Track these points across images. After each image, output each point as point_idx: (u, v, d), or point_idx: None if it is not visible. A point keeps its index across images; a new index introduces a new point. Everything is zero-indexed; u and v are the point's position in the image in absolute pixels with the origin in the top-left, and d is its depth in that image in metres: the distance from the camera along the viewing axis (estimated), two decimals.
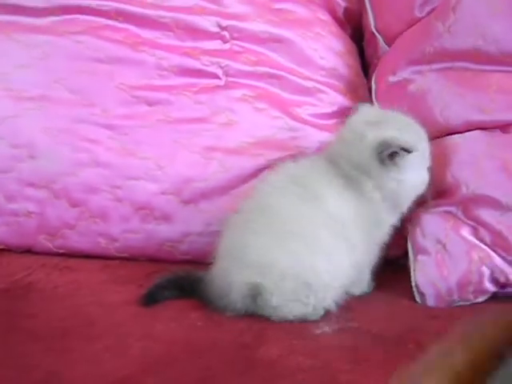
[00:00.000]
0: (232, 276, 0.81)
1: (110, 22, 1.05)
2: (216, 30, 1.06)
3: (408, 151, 0.83)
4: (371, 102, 1.08)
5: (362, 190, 0.85)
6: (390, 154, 0.83)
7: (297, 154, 0.97)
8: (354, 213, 0.84)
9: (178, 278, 0.87)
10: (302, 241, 0.81)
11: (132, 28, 1.05)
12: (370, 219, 0.85)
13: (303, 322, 0.80)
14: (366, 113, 0.91)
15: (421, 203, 0.92)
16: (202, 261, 0.87)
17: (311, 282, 0.81)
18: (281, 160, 0.95)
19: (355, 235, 0.84)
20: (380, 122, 0.86)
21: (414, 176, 0.86)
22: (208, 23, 1.06)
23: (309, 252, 0.81)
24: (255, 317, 0.81)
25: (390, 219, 0.89)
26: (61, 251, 1.01)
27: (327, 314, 0.83)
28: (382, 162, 0.84)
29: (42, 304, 0.84)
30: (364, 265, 0.88)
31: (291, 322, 0.80)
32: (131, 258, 1.01)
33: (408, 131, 0.87)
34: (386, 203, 0.86)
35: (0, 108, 1.01)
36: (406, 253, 0.95)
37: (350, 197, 0.84)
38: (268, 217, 0.82)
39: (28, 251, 1.02)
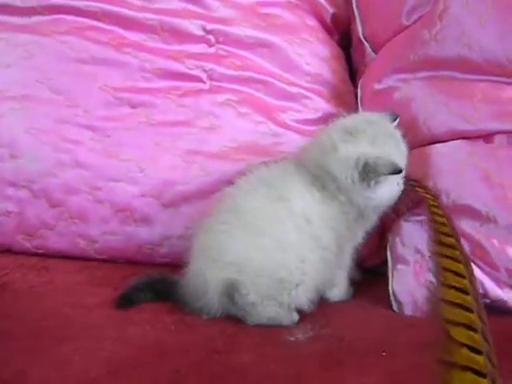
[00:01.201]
0: (208, 275, 0.81)
1: (96, 23, 1.05)
2: (201, 33, 1.06)
3: (397, 172, 0.82)
4: (357, 108, 1.09)
5: (330, 192, 0.85)
6: (366, 175, 0.81)
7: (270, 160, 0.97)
8: (323, 213, 0.84)
9: (154, 281, 0.86)
10: (272, 239, 0.82)
11: (117, 30, 1.05)
12: (338, 219, 0.85)
13: (277, 328, 0.80)
14: (345, 121, 0.89)
15: (398, 213, 0.92)
16: (181, 264, 0.87)
17: (284, 279, 0.81)
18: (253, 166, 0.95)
19: (326, 235, 0.84)
20: (357, 133, 0.84)
21: (384, 192, 0.84)
22: (193, 27, 1.06)
23: (278, 249, 0.82)
24: (229, 321, 0.81)
25: (360, 225, 0.89)
26: (39, 251, 1.01)
27: (302, 319, 0.83)
28: (360, 179, 0.82)
29: (17, 304, 0.84)
30: (338, 266, 0.88)
31: (266, 326, 0.80)
32: (110, 260, 1.01)
33: (383, 144, 0.84)
34: (354, 209, 0.86)
35: None
36: (386, 262, 0.95)
37: (318, 197, 0.84)
38: (238, 217, 0.83)
39: (7, 251, 1.02)
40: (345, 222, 0.86)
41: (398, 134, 0.87)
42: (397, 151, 0.86)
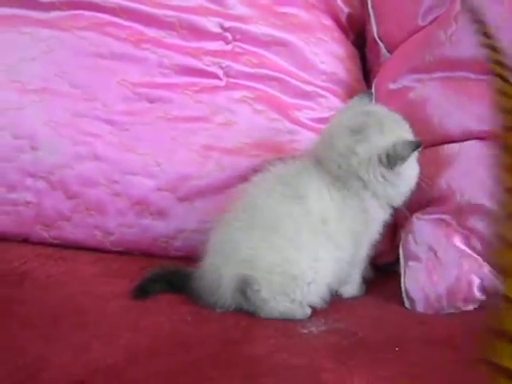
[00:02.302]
0: (221, 271, 0.82)
1: (115, 19, 1.06)
2: (219, 30, 1.08)
3: (418, 147, 0.85)
4: None
5: (350, 190, 0.86)
6: (394, 164, 0.84)
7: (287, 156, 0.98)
8: (339, 212, 0.85)
9: (169, 273, 0.88)
10: (286, 238, 0.83)
11: (136, 26, 1.06)
12: (357, 218, 0.86)
13: (291, 321, 0.81)
14: (345, 121, 0.90)
15: (410, 210, 0.93)
16: (195, 257, 0.88)
17: (296, 276, 0.82)
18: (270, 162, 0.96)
19: (341, 234, 0.85)
20: (362, 129, 0.86)
21: (410, 174, 0.88)
22: (211, 24, 1.07)
23: (292, 248, 0.83)
24: (243, 314, 0.82)
25: (381, 216, 0.90)
26: (56, 242, 1.02)
27: (315, 314, 0.84)
28: (388, 170, 0.85)
29: (35, 292, 0.85)
30: (352, 263, 0.89)
31: (279, 319, 0.81)
32: (126, 252, 1.03)
33: (391, 129, 0.87)
34: (378, 201, 0.87)
35: (4, 99, 1.03)
36: (398, 259, 0.95)
37: (337, 197, 0.85)
38: (254, 215, 0.84)
39: (25, 240, 1.03)
40: (364, 221, 0.87)
41: (392, 113, 0.90)
42: (403, 130, 0.89)
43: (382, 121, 0.87)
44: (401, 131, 0.88)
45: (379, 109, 0.92)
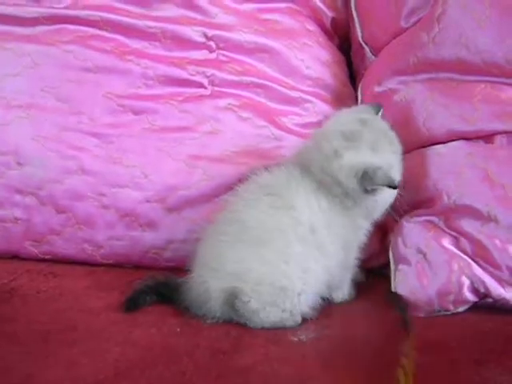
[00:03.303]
0: (209, 284, 0.82)
1: (98, 32, 1.06)
2: (202, 40, 1.08)
3: (391, 187, 0.83)
4: None
5: (336, 198, 0.85)
6: (364, 184, 0.83)
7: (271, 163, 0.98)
8: (327, 219, 0.85)
9: (159, 284, 0.88)
10: (275, 251, 0.82)
11: (119, 38, 1.07)
12: (344, 225, 0.86)
13: (281, 329, 0.81)
14: (339, 124, 0.90)
15: (399, 213, 0.93)
16: (186, 268, 0.88)
17: (285, 287, 0.82)
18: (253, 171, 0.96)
19: (330, 241, 0.85)
20: (354, 137, 0.85)
21: (386, 194, 0.86)
22: (194, 33, 1.07)
23: (281, 261, 0.82)
24: (234, 323, 0.82)
25: (364, 225, 0.89)
26: (47, 257, 1.02)
27: (305, 321, 0.84)
28: (360, 187, 0.83)
29: (24, 309, 0.85)
30: (341, 269, 0.89)
31: (269, 329, 0.81)
32: (116, 265, 1.03)
33: (383, 150, 0.86)
34: (360, 211, 0.87)
35: None
36: (388, 263, 0.95)
37: (323, 204, 0.85)
38: (241, 228, 0.83)
39: (15, 257, 1.03)
40: (351, 227, 0.87)
41: (390, 131, 0.89)
42: (395, 159, 0.87)
43: (377, 137, 0.86)
44: (390, 154, 0.87)
45: (378, 122, 0.90)
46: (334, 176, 0.85)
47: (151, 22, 1.07)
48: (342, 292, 0.92)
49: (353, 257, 0.91)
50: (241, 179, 1.00)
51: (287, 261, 0.82)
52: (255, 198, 0.85)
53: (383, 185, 0.83)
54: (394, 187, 0.84)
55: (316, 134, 0.92)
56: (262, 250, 0.82)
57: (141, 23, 1.07)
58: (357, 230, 0.89)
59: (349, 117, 0.90)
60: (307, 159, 0.88)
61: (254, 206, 0.84)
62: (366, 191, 0.84)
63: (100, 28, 1.07)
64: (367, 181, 0.82)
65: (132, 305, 0.85)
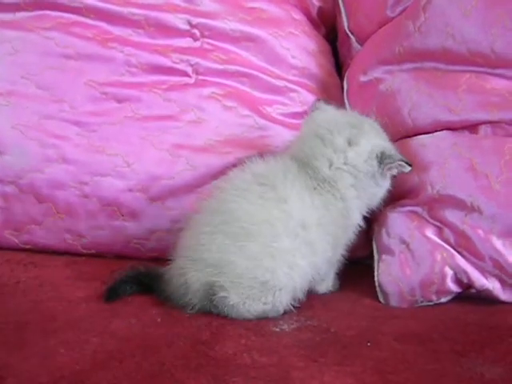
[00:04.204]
0: (188, 276, 0.81)
1: (81, 19, 1.05)
2: (186, 27, 1.06)
3: (407, 164, 0.87)
4: (343, 101, 1.09)
5: (334, 192, 0.86)
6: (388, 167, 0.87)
7: (265, 153, 0.97)
8: (320, 217, 0.84)
9: (140, 274, 0.87)
10: (261, 244, 0.80)
11: (102, 25, 1.05)
12: (337, 223, 0.86)
13: (262, 320, 0.81)
14: (332, 113, 0.91)
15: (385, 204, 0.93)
16: (169, 258, 0.87)
17: (268, 283, 0.80)
18: (249, 158, 0.95)
19: (319, 239, 0.84)
20: (361, 125, 0.88)
21: (387, 181, 0.90)
22: (179, 21, 1.06)
23: (268, 256, 0.80)
24: (215, 314, 0.81)
25: (358, 219, 0.89)
26: (27, 247, 1.01)
27: (287, 311, 0.83)
28: (380, 168, 0.86)
29: (2, 298, 0.84)
30: (328, 265, 0.88)
31: (251, 319, 0.81)
32: (98, 255, 1.01)
33: (383, 136, 0.91)
34: (360, 201, 0.88)
35: None
36: (372, 254, 0.95)
37: (317, 201, 0.84)
38: (227, 218, 0.82)
39: None
40: (343, 225, 0.87)
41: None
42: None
43: (375, 126, 0.91)
44: (388, 141, 0.91)
45: (365, 119, 0.92)
46: (347, 167, 0.86)
47: (135, 9, 1.05)
48: (327, 284, 0.92)
49: (340, 253, 0.90)
50: (225, 169, 0.99)
51: (273, 255, 0.81)
52: (246, 188, 0.84)
53: (401, 161, 0.87)
54: (410, 164, 0.88)
55: (314, 129, 0.90)
56: (247, 243, 0.80)
57: (124, 10, 1.05)
58: (347, 228, 0.88)
59: (337, 112, 0.93)
60: (308, 154, 0.87)
61: (243, 196, 0.83)
62: (382, 173, 0.87)
63: (82, 15, 1.05)
64: (387, 159, 0.86)
65: (113, 295, 0.84)
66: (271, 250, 0.81)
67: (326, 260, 0.86)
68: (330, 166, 0.86)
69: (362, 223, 0.90)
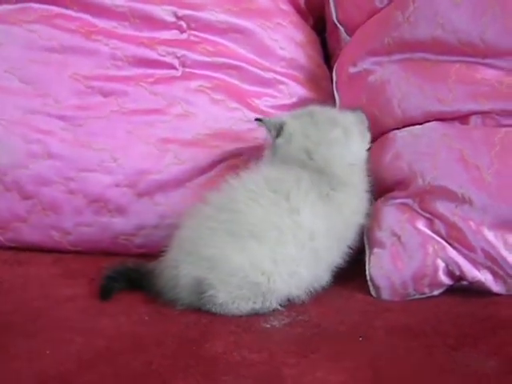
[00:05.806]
0: (180, 268, 0.80)
1: (64, 11, 1.03)
2: (172, 19, 1.04)
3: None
4: (332, 93, 1.08)
5: (349, 190, 0.86)
6: None
7: (256, 147, 0.96)
8: (329, 226, 0.83)
9: (127, 270, 0.85)
10: (265, 246, 0.79)
11: (87, 17, 1.03)
12: (346, 231, 0.87)
13: (253, 316, 0.80)
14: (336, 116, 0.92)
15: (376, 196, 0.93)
16: (157, 254, 0.86)
17: (261, 285, 0.79)
18: (238, 152, 0.94)
19: (326, 249, 0.84)
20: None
21: None
22: (164, 13, 1.04)
23: (268, 258, 0.79)
24: (205, 310, 0.80)
25: (362, 216, 0.90)
26: (12, 245, 0.99)
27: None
28: None
29: None
30: (330, 275, 0.87)
31: (241, 316, 0.80)
32: (85, 252, 1.00)
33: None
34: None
35: None
36: (364, 248, 0.94)
37: (328, 208, 0.84)
38: (234, 218, 0.80)
39: None
40: (351, 231, 0.88)
41: None
42: None
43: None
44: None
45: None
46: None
47: (119, 1, 1.03)
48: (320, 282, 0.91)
49: (341, 257, 0.88)
50: (214, 163, 0.98)
51: (275, 260, 0.79)
52: (259, 192, 0.82)
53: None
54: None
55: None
56: (250, 243, 0.79)
57: (109, 2, 1.03)
58: (355, 227, 0.89)
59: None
60: (321, 163, 0.86)
61: (255, 199, 0.81)
62: None
63: (66, 7, 1.03)
64: None
65: (106, 293, 0.83)
66: (274, 255, 0.79)
67: (328, 267, 0.86)
68: (343, 163, 0.87)
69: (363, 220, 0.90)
